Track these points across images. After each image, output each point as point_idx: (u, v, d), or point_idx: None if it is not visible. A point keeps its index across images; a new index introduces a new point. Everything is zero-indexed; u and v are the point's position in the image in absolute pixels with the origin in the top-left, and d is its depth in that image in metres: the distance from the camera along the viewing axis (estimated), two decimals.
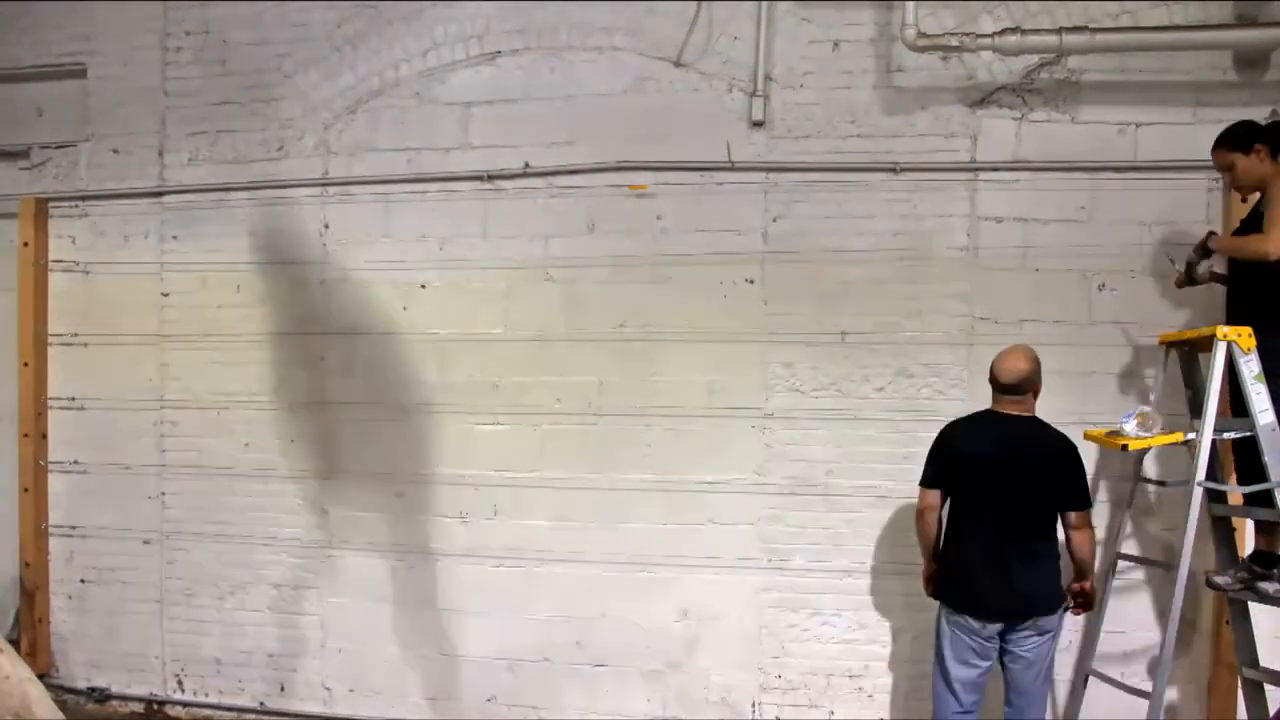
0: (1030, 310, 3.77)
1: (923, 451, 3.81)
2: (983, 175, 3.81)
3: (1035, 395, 3.24)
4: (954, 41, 3.64)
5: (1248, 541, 3.55)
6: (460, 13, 4.16)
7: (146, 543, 4.51)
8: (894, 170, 3.83)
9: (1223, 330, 3.05)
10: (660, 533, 4.00)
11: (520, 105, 4.13)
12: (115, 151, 4.53)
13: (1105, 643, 3.53)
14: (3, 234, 4.66)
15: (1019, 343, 3.32)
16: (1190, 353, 3.39)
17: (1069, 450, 3.16)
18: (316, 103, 4.32)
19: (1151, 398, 3.40)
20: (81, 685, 4.57)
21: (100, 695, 4.56)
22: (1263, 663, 3.24)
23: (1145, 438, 3.16)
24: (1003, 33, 3.59)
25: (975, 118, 3.82)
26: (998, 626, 3.17)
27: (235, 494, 4.40)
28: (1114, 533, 3.56)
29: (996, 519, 3.13)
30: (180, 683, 4.49)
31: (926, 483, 3.32)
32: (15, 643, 4.32)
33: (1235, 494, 3.40)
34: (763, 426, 3.93)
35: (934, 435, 3.80)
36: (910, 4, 3.61)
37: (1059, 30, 3.54)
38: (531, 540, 4.10)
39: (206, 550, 4.43)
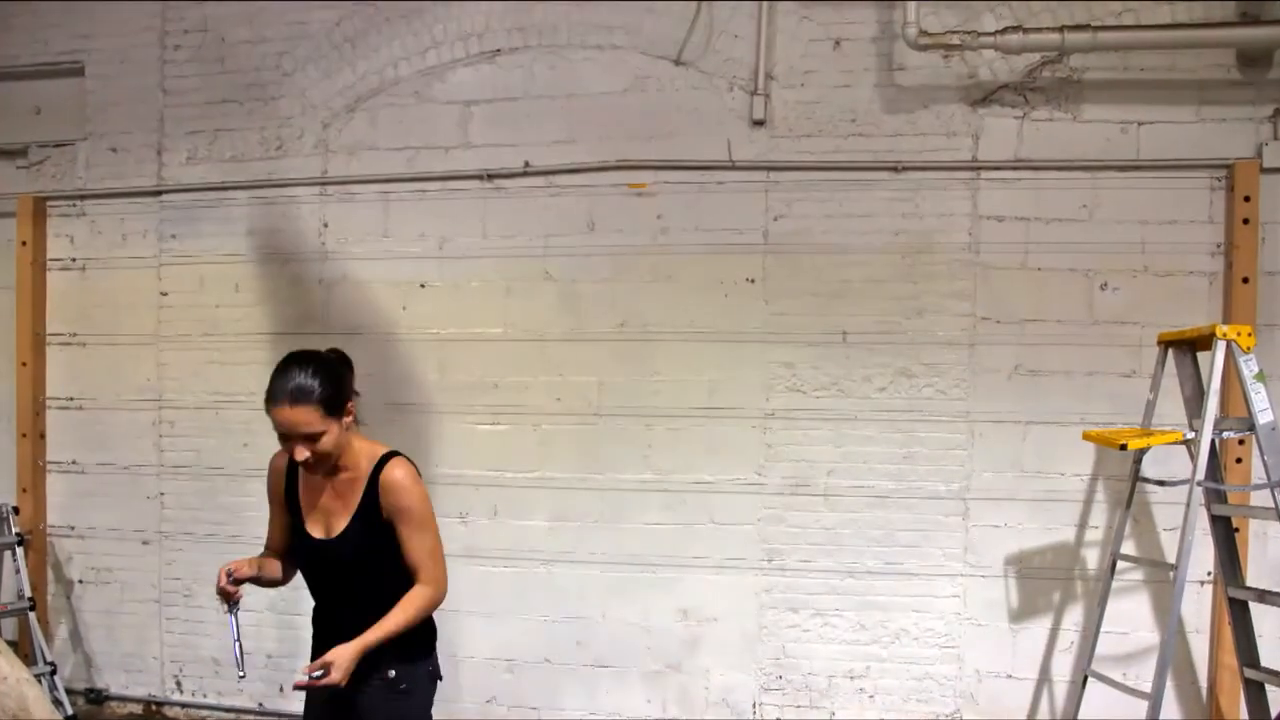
0: (1032, 309, 3.76)
1: (925, 452, 3.82)
2: (984, 174, 3.80)
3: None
4: (955, 40, 3.63)
5: (1250, 542, 3.55)
6: (460, 11, 4.14)
7: (145, 543, 4.49)
8: (895, 169, 3.82)
9: (1222, 329, 3.05)
10: (660, 533, 3.99)
11: (520, 104, 4.12)
12: (113, 150, 4.52)
13: (1104, 643, 3.52)
14: (0, 233, 4.64)
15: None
16: (1190, 351, 3.39)
17: None
18: (315, 101, 4.30)
19: (1151, 397, 3.39)
20: (80, 686, 4.56)
21: (98, 696, 4.55)
22: (1264, 663, 3.24)
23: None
24: (1005, 31, 3.57)
25: (977, 116, 3.81)
26: None
27: (234, 494, 4.38)
28: (1113, 533, 3.55)
29: None
30: (179, 683, 4.48)
31: None
32: (14, 644, 4.31)
33: (1234, 493, 3.40)
34: (763, 426, 3.92)
35: (935, 435, 3.82)
36: (912, 2, 3.59)
37: (1061, 29, 3.53)
38: (531, 540, 4.09)
39: (205, 550, 4.41)
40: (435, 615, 4.12)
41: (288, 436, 2.18)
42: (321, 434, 2.17)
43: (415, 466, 2.35)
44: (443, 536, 4.36)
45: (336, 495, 2.30)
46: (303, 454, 2.17)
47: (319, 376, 2.19)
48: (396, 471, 2.27)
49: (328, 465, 2.27)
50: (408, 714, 2.34)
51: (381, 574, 2.28)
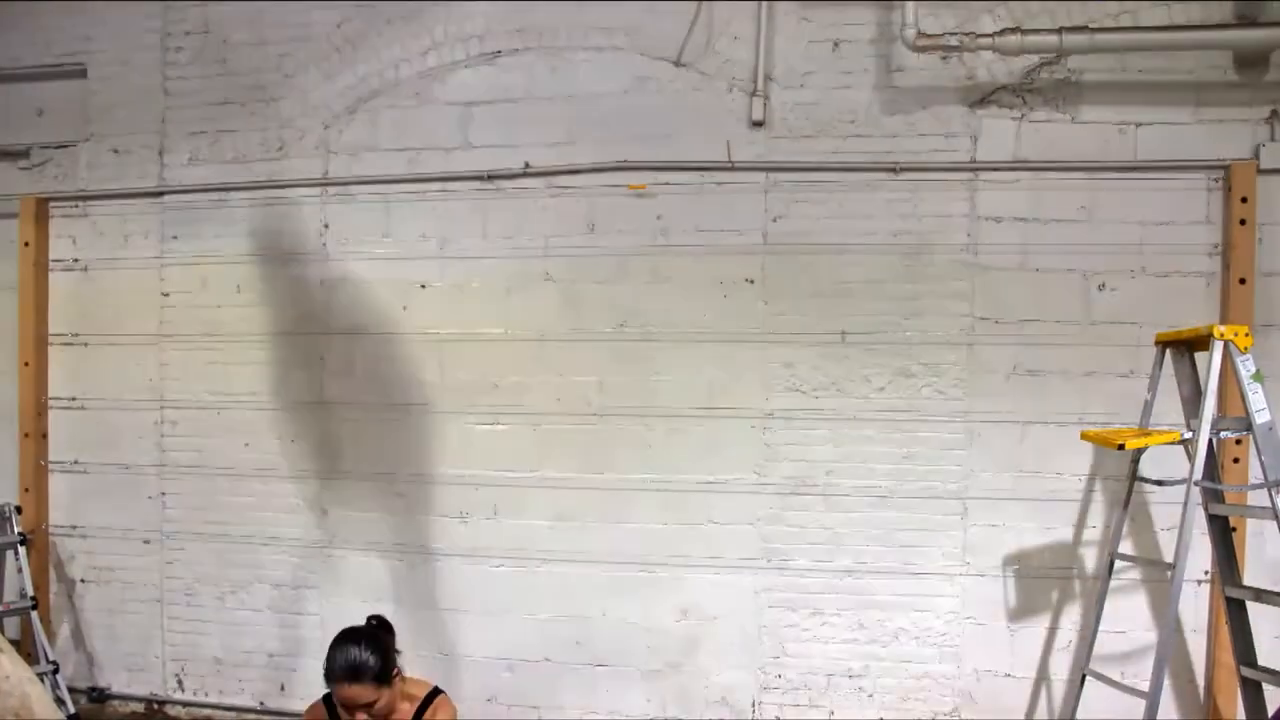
0: (1030, 310, 3.77)
1: (923, 451, 3.83)
2: (983, 175, 3.81)
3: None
4: (954, 41, 3.64)
5: (1247, 541, 3.56)
6: (460, 12, 4.16)
7: (147, 542, 4.51)
8: (894, 170, 3.83)
9: (1220, 329, 3.05)
10: (660, 533, 4.00)
11: (520, 105, 4.13)
12: (115, 151, 4.53)
13: (1102, 642, 3.53)
14: (3, 234, 4.66)
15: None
16: (1187, 352, 3.40)
17: None
18: (316, 103, 4.32)
19: (1148, 397, 3.40)
20: (82, 685, 4.58)
21: (100, 695, 4.56)
22: (1261, 662, 3.25)
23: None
24: (1003, 33, 3.59)
25: (975, 118, 3.82)
26: None
27: (235, 494, 4.40)
28: (1111, 532, 3.56)
29: None
30: (180, 682, 4.49)
31: None
32: (16, 643, 4.32)
33: (1232, 493, 3.41)
34: (763, 426, 3.93)
35: (934, 435, 3.83)
36: (910, 4, 3.61)
37: (1059, 30, 3.54)
38: (531, 540, 4.10)
39: (206, 550, 4.43)
40: (436, 614, 4.14)
41: (347, 707, 2.47)
42: (375, 701, 2.45)
43: (455, 708, 2.65)
44: (442, 536, 4.40)
45: None
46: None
47: (370, 653, 2.46)
48: (441, 715, 2.59)
49: None
50: None
51: None
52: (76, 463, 4.61)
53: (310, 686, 4.30)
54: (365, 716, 2.47)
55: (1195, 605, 3.65)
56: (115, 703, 4.57)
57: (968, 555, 3.80)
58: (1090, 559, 3.75)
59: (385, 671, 2.48)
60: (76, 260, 4.61)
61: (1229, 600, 3.27)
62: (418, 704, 2.60)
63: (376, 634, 2.58)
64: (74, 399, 4.61)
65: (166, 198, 4.48)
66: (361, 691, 2.44)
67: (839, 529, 3.88)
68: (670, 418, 4.00)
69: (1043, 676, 3.79)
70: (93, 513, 4.58)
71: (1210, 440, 3.10)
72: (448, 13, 4.17)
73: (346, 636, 2.53)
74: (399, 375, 4.22)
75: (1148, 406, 3.39)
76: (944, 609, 3.82)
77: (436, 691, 2.65)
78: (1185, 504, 3.08)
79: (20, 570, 4.31)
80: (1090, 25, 3.57)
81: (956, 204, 3.82)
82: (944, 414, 3.82)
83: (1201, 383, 3.22)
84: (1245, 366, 3.04)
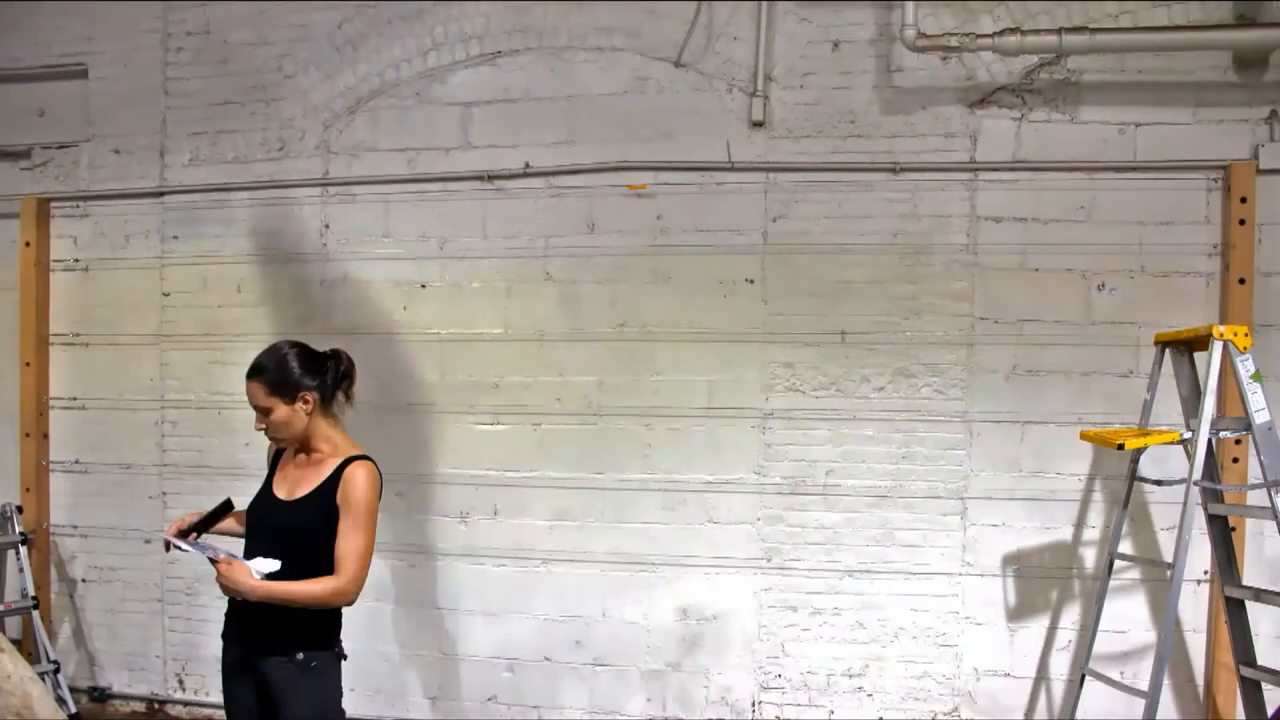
0: (1030, 310, 3.78)
1: (923, 451, 3.84)
2: (982, 175, 3.82)
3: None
4: (954, 42, 3.64)
5: (1246, 541, 3.57)
6: (460, 13, 4.16)
7: (148, 542, 4.51)
8: (894, 170, 3.84)
9: (1219, 329, 3.06)
10: (660, 533, 4.01)
11: (520, 105, 4.14)
12: (116, 152, 4.54)
13: (1102, 642, 3.53)
14: (4, 234, 4.67)
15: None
16: (1187, 352, 3.40)
17: None
18: (317, 103, 4.32)
19: (1148, 397, 3.41)
20: (83, 684, 4.58)
21: (101, 694, 4.57)
22: (1260, 661, 3.25)
23: None
24: (1003, 33, 3.59)
25: (975, 118, 3.83)
26: None
27: (236, 494, 4.36)
28: (1110, 532, 3.56)
29: None
30: (181, 682, 4.50)
31: None
32: (17, 642, 4.33)
33: (1231, 493, 3.41)
34: (763, 426, 3.94)
35: (934, 435, 3.83)
36: (910, 4, 3.61)
37: (1059, 30, 3.54)
38: (531, 540, 4.11)
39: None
40: (437, 614, 4.15)
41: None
42: (270, 409, 2.55)
43: (380, 478, 2.62)
44: (443, 536, 4.39)
45: (307, 470, 2.63)
46: (258, 424, 2.61)
47: (273, 361, 2.58)
48: (359, 470, 2.56)
49: (284, 438, 2.63)
50: (320, 688, 2.60)
51: (313, 547, 2.51)
52: (77, 462, 4.62)
53: None
54: (262, 424, 2.59)
55: (1195, 605, 3.65)
56: (116, 702, 4.58)
57: (968, 555, 3.81)
58: (1090, 559, 3.75)
59: (282, 385, 2.55)
60: (77, 260, 4.62)
61: (1228, 600, 3.28)
62: (346, 456, 2.59)
63: (297, 349, 2.63)
64: (75, 399, 4.62)
65: (167, 198, 4.48)
66: (253, 390, 2.55)
67: (839, 529, 3.88)
68: (670, 418, 4.00)
69: (1042, 676, 3.79)
70: (94, 512, 4.59)
71: (1210, 440, 3.11)
72: (448, 13, 4.17)
73: (274, 344, 2.66)
74: (399, 375, 4.23)
75: (1147, 406, 3.40)
76: (943, 609, 3.82)
77: (367, 457, 2.61)
78: (1185, 504, 3.09)
79: (21, 570, 4.32)
80: (1090, 25, 3.56)
81: (956, 204, 3.83)
82: (944, 414, 3.83)
83: (1201, 383, 3.22)
84: (1245, 366, 3.04)
